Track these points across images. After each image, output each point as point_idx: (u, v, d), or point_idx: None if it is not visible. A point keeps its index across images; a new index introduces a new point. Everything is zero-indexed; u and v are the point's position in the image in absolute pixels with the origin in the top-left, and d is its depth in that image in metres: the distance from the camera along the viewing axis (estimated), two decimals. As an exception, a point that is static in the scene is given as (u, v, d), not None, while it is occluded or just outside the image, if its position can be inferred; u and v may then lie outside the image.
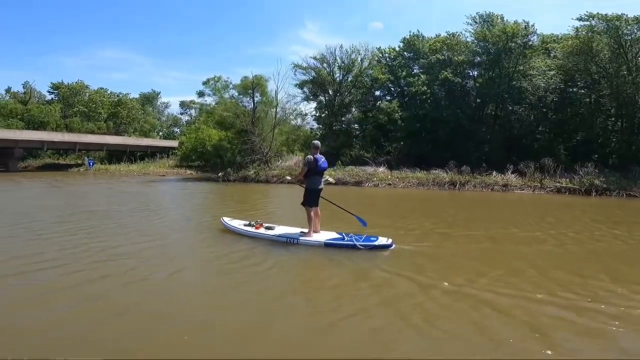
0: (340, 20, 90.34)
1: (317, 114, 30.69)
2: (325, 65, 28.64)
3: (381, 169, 20.56)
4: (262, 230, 6.60)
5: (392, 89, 28.00)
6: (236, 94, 26.08)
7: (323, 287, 4.52)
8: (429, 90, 23.62)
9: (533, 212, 10.98)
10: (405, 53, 28.07)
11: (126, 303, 3.85)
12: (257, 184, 20.08)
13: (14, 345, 3.01)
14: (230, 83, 24.74)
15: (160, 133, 60.44)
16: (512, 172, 17.56)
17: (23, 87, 47.75)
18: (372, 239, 6.07)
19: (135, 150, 39.67)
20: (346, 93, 28.50)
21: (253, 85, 23.22)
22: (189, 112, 65.00)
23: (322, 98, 30.11)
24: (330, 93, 28.98)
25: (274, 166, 21.99)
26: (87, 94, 51.11)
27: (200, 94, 26.05)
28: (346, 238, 6.06)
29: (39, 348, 2.98)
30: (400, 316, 3.60)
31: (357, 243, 5.86)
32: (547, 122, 22.80)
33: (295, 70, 28.84)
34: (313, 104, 30.65)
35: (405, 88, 25.80)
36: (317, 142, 6.48)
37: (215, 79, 24.64)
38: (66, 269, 4.85)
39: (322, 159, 6.30)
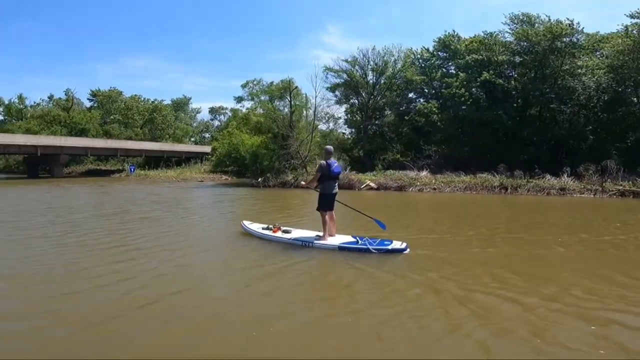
0: (361, 23, 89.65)
1: (350, 117, 30.29)
2: (357, 67, 28.20)
3: (424, 172, 19.83)
4: (279, 234, 6.74)
5: (426, 90, 27.20)
6: (266, 97, 25.83)
7: (332, 288, 4.68)
8: (467, 93, 22.71)
9: (600, 216, 10.16)
10: (439, 53, 27.28)
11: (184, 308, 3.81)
12: (297, 189, 19.76)
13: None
14: (268, 85, 24.27)
15: (192, 139, 61.46)
16: (569, 175, 16.51)
17: (65, 94, 49.18)
18: (385, 242, 6.04)
19: (171, 155, 40.37)
20: (379, 96, 27.93)
21: (291, 89, 22.93)
22: (218, 118, 66.07)
23: (354, 101, 29.72)
24: (364, 96, 28.49)
25: (312, 171, 21.60)
26: (123, 101, 52.48)
27: (239, 99, 25.50)
28: (360, 242, 6.06)
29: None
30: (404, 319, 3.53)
31: (370, 247, 5.84)
32: (597, 122, 21.46)
33: (327, 73, 28.50)
34: (344, 107, 30.23)
35: (443, 90, 24.93)
36: (329, 147, 6.55)
37: (255, 81, 24.34)
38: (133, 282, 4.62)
39: (335, 164, 6.34)
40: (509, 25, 23.48)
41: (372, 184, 19.11)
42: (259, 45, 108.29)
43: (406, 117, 25.73)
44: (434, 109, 23.38)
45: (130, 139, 42.89)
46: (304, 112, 24.51)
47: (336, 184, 6.45)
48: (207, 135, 63.36)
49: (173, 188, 21.47)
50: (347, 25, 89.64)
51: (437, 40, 27.09)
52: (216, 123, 64.14)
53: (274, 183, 20.80)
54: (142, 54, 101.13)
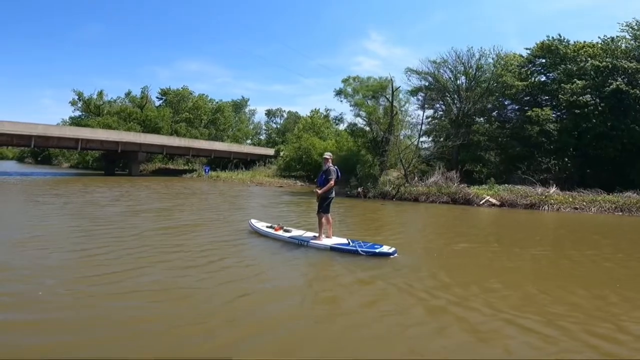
0: (404, 30, 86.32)
1: (436, 123, 27.50)
2: (446, 69, 25.42)
3: (553, 189, 16.75)
4: (280, 233, 7.04)
5: (527, 98, 23.94)
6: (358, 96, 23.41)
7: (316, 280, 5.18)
8: (593, 101, 19.38)
9: None
10: (542, 59, 23.99)
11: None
12: (402, 202, 17.30)
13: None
14: (363, 83, 21.82)
15: (248, 141, 60.67)
16: None
17: (141, 92, 49.50)
18: (375, 246, 6.25)
19: (238, 157, 39.20)
20: (471, 101, 24.93)
21: (392, 88, 20.44)
22: (274, 120, 65.03)
23: (439, 106, 26.97)
24: (453, 101, 25.66)
25: (414, 182, 19.08)
26: (191, 100, 52.19)
27: (339, 92, 22.89)
28: (351, 244, 6.33)
29: None
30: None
31: (359, 249, 6.08)
32: None
33: (409, 76, 25.84)
34: (426, 113, 27.43)
35: (560, 96, 21.60)
36: (329, 153, 6.96)
37: (357, 79, 22.04)
38: None
39: (337, 171, 6.69)
40: (629, 31, 20.53)
41: (493, 200, 16.29)
42: (303, 52, 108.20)
43: (508, 126, 22.68)
44: (551, 116, 20.21)
45: (196, 138, 42.29)
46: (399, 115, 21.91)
47: (333, 189, 6.70)
48: (262, 137, 62.55)
49: (278, 194, 19.60)
50: (389, 32, 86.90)
51: (537, 44, 23.91)
52: (272, 125, 62.60)
53: (374, 194, 18.45)
54: (195, 58, 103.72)
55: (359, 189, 18.53)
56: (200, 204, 13.66)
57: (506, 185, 18.12)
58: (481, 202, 16.19)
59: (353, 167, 20.85)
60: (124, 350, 3.01)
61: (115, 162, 33.96)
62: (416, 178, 19.58)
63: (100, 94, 48.79)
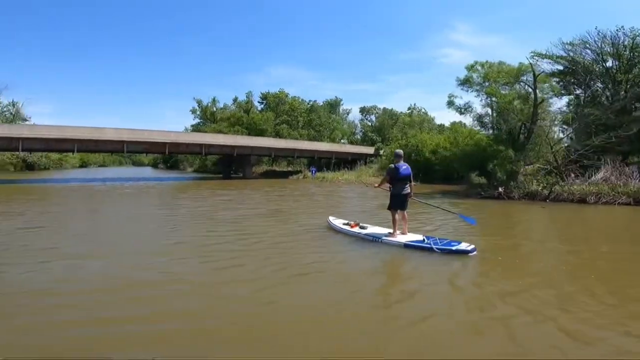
0: (493, 17, 76.19)
1: (574, 111, 22.38)
2: (587, 52, 20.19)
3: None
4: (356, 229, 7.01)
5: None
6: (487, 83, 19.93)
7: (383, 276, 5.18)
8: None
9: None
10: None
11: None
12: (558, 203, 13.85)
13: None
14: (497, 67, 18.51)
15: (342, 140, 59.88)
16: None
17: (245, 97, 52.39)
18: (453, 243, 5.94)
19: (339, 157, 38.42)
20: (629, 84, 19.32)
21: (535, 72, 16.91)
22: (368, 118, 63.19)
23: (579, 93, 21.77)
24: (606, 85, 20.35)
25: (570, 179, 15.31)
26: (288, 103, 53.33)
27: (464, 81, 20.02)
28: (426, 241, 6.09)
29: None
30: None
31: (433, 246, 5.82)
32: None
33: (537, 61, 21.17)
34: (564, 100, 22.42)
35: None
36: (399, 150, 6.81)
37: (486, 64, 19.01)
38: None
39: (403, 167, 6.44)
40: None
41: None
42: (384, 49, 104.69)
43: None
44: None
45: (296, 139, 42.79)
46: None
47: (407, 185, 6.51)
48: (357, 135, 61.22)
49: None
50: (478, 21, 78.00)
51: None
52: (367, 123, 60.64)
53: (518, 194, 15.28)
54: (284, 63, 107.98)
55: (500, 189, 15.53)
56: (335, 205, 12.55)
57: None
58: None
59: (478, 163, 17.87)
60: None
61: (230, 165, 35.96)
62: (572, 175, 15.75)
63: (214, 100, 52.82)
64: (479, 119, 20.15)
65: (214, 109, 52.12)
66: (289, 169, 42.53)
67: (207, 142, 29.73)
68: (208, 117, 50.83)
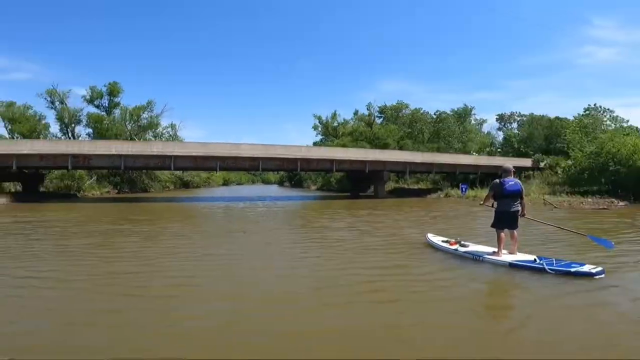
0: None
1: None
2: None
3: None
4: (455, 247, 6.54)
5: None
6: None
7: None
8: None
9: None
10: None
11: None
12: None
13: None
14: None
15: (473, 152, 50.93)
16: None
17: (366, 109, 49.19)
18: (572, 265, 5.07)
19: (487, 171, 31.04)
20: None
21: None
22: (508, 127, 52.75)
23: None
24: None
25: None
26: (408, 115, 48.15)
27: None
28: (538, 261, 5.35)
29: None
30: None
31: (546, 267, 5.06)
32: None
33: None
34: None
35: None
36: (507, 165, 6.17)
37: None
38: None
39: (509, 183, 5.78)
40: None
41: None
42: (505, 54, 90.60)
43: None
44: None
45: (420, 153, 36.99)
46: None
47: (515, 203, 5.81)
48: (494, 147, 51.43)
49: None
50: (623, 14, 58.87)
51: None
52: (513, 132, 50.24)
53: None
54: (392, 77, 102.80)
55: None
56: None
57: None
58: None
59: None
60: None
61: (360, 182, 32.41)
62: None
63: (334, 115, 51.15)
64: None
65: (335, 124, 50.33)
66: (419, 186, 36.89)
67: (337, 158, 26.82)
68: (330, 132, 49.24)
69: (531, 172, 31.01)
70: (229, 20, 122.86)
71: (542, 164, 32.63)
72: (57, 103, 39.14)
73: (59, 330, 3.33)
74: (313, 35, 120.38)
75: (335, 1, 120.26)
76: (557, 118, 45.95)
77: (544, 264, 5.16)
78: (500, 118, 52.82)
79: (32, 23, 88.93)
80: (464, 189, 24.47)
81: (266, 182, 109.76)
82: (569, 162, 25.27)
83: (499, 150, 47.03)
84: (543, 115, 46.73)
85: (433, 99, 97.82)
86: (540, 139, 43.41)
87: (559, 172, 26.54)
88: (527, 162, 33.19)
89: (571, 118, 45.08)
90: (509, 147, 45.30)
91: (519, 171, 30.89)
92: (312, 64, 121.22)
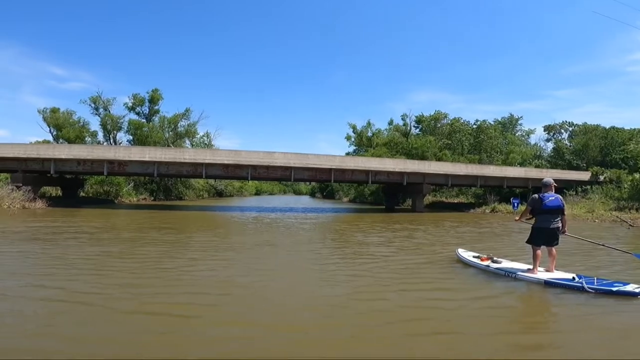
0: None
1: None
2: None
3: None
4: (486, 263, 6.19)
5: None
6: None
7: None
8: None
9: None
10: None
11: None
12: None
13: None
14: None
15: (517, 164, 46.92)
16: None
17: (402, 120, 47.00)
18: (615, 284, 4.71)
19: (538, 185, 27.93)
20: None
21: None
22: (558, 137, 48.34)
23: None
24: None
25: None
26: (446, 125, 45.31)
27: None
28: (576, 279, 4.99)
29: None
30: None
31: (586, 285, 4.69)
32: None
33: None
34: None
35: None
36: (547, 179, 5.61)
37: None
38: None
39: (550, 197, 5.40)
40: None
41: None
42: (545, 62, 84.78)
43: None
44: None
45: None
46: None
47: (555, 219, 5.42)
48: (541, 160, 47.16)
49: None
50: None
51: None
52: (563, 143, 45.84)
53: None
54: (423, 88, 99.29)
55: None
56: None
57: None
58: None
59: None
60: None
61: (396, 195, 30.29)
62: None
63: (369, 124, 49.26)
64: None
65: (370, 133, 48.41)
66: (459, 200, 34.07)
67: (373, 168, 25.04)
68: (364, 142, 47.35)
69: (589, 187, 27.50)
70: (264, 31, 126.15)
71: (601, 177, 28.96)
72: (100, 110, 40.32)
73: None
74: (346, 44, 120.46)
75: (369, 14, 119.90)
76: (613, 128, 41.53)
77: (584, 282, 4.84)
78: (548, 128, 48.59)
79: (85, 41, 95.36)
80: (515, 204, 21.71)
81: (297, 192, 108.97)
82: (637, 175, 22.03)
83: (548, 162, 42.92)
84: (597, 125, 42.33)
85: (469, 110, 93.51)
86: (595, 150, 39.22)
87: (625, 186, 23.16)
88: (584, 176, 29.60)
89: (627, 128, 40.47)
90: (558, 159, 41.29)
91: (574, 185, 27.56)
92: (346, 71, 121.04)
